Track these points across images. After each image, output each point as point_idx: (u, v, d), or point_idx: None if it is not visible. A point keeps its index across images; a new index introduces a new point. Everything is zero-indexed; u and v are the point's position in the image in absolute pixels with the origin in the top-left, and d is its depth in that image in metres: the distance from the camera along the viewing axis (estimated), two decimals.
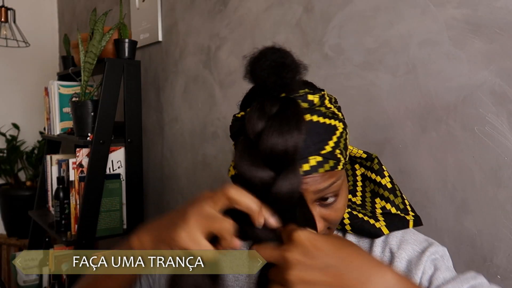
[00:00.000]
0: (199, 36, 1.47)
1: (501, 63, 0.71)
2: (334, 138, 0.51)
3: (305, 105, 0.49)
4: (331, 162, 0.50)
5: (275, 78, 0.46)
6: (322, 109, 0.51)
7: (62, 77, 1.91)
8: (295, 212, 0.46)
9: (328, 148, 0.50)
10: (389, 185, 0.65)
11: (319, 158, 0.49)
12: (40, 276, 1.87)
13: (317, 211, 0.52)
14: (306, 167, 0.48)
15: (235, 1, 1.30)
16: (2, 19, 2.10)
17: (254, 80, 0.48)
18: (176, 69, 1.60)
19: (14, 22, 2.15)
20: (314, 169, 0.48)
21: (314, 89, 0.54)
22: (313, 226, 0.49)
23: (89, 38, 1.52)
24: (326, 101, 0.52)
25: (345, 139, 0.54)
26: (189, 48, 1.53)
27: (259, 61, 0.47)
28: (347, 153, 0.55)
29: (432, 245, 0.59)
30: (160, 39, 1.68)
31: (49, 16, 2.76)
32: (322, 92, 0.52)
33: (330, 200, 0.52)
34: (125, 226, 1.58)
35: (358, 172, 0.68)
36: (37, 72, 2.65)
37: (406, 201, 0.65)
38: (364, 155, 0.65)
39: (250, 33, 1.24)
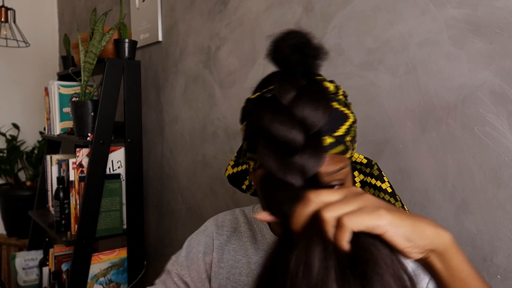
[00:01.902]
0: (199, 36, 1.47)
1: (501, 63, 0.71)
2: (346, 125, 0.52)
3: None
4: (342, 146, 0.51)
5: (298, 55, 0.47)
6: (337, 97, 0.53)
7: (62, 77, 1.91)
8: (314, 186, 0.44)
9: (340, 132, 0.51)
10: (389, 190, 0.65)
11: (332, 139, 0.50)
12: (40, 276, 1.87)
13: None
14: None
15: (235, 1, 1.30)
16: (2, 19, 2.10)
17: (277, 57, 0.48)
18: (176, 69, 1.60)
19: (14, 22, 2.15)
20: (326, 149, 0.49)
21: (331, 81, 0.55)
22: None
23: (89, 38, 1.52)
24: (340, 91, 0.54)
25: (354, 131, 0.55)
26: (189, 48, 1.53)
27: (283, 40, 0.47)
28: (354, 146, 0.55)
29: None
30: (160, 39, 1.68)
31: (49, 16, 2.76)
32: (337, 84, 0.54)
33: (336, 187, 0.52)
34: (125, 226, 1.58)
35: (357, 179, 0.69)
36: (37, 72, 2.65)
37: (405, 206, 0.66)
38: (365, 161, 0.66)
39: (250, 33, 1.24)
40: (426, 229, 0.38)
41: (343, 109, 0.53)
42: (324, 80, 0.53)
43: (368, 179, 0.67)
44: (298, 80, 0.47)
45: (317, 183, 0.44)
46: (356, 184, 0.69)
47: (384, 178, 0.66)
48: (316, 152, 0.43)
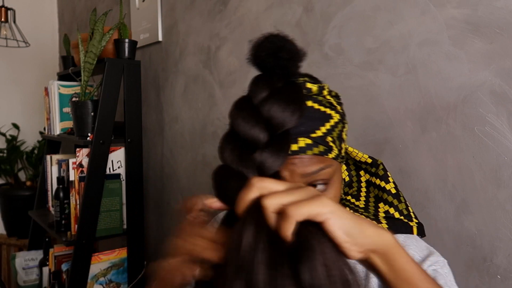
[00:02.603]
0: (199, 36, 1.47)
1: (501, 63, 0.71)
2: (327, 126, 0.52)
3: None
4: (321, 147, 0.51)
5: (273, 59, 0.49)
6: (319, 97, 0.53)
7: (62, 77, 1.91)
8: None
9: (319, 133, 0.51)
10: (393, 191, 0.64)
11: (309, 141, 0.50)
12: (40, 276, 1.87)
13: None
14: (294, 147, 0.49)
15: (235, 1, 1.30)
16: (2, 19, 2.10)
17: (254, 60, 0.50)
18: (176, 69, 1.60)
19: (14, 22, 2.15)
20: (302, 150, 0.50)
21: (315, 81, 0.56)
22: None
23: (89, 38, 1.52)
24: (325, 92, 0.54)
25: (340, 131, 0.54)
26: (189, 48, 1.53)
27: (260, 44, 0.50)
28: (343, 146, 0.55)
29: (433, 254, 0.59)
30: (160, 39, 1.68)
31: (49, 16, 2.76)
32: (323, 84, 0.54)
33: (319, 187, 0.52)
34: (125, 226, 1.58)
35: (363, 179, 0.68)
36: (37, 72, 2.65)
37: (410, 208, 0.65)
38: (369, 160, 0.65)
39: (250, 33, 1.24)
40: (367, 228, 0.39)
41: (324, 109, 0.52)
42: (307, 81, 0.53)
43: (373, 179, 0.66)
44: (273, 82, 0.49)
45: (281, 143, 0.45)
46: (361, 184, 0.68)
47: (389, 178, 0.65)
48: (278, 151, 0.44)
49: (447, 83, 0.79)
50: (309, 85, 0.52)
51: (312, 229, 0.36)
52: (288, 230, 0.35)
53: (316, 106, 0.52)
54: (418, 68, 0.83)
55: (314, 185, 0.52)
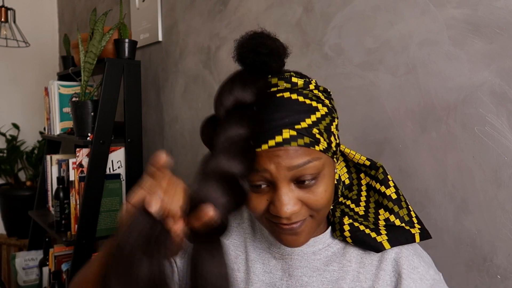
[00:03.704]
0: (199, 36, 1.47)
1: (501, 63, 0.71)
2: (313, 117, 0.52)
3: (287, 85, 0.53)
4: (306, 139, 0.50)
5: (253, 54, 0.51)
6: (305, 91, 0.53)
7: (62, 77, 1.91)
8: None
9: (304, 125, 0.51)
10: (394, 196, 0.62)
11: (293, 132, 0.50)
12: (40, 276, 1.87)
13: (293, 192, 0.52)
14: (278, 138, 0.49)
15: (235, 1, 1.30)
16: (2, 19, 2.10)
17: (237, 57, 0.53)
18: (176, 69, 1.60)
19: (14, 22, 2.15)
20: (286, 141, 0.49)
21: (302, 76, 0.56)
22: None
23: (89, 38, 1.52)
24: (311, 86, 0.54)
25: (329, 124, 0.54)
26: (189, 48, 1.53)
27: (242, 42, 0.52)
28: (333, 139, 0.54)
29: (438, 283, 0.58)
30: (160, 39, 1.68)
31: (49, 16, 2.76)
32: (310, 80, 0.55)
33: (308, 182, 0.51)
34: None
35: (363, 182, 0.67)
36: (37, 72, 2.65)
37: (412, 212, 0.62)
38: (368, 163, 0.64)
39: None
40: None
41: (310, 102, 0.52)
42: (293, 76, 0.54)
43: (373, 183, 0.64)
44: (251, 76, 0.52)
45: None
46: (362, 187, 0.67)
47: (390, 182, 0.63)
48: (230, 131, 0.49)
49: (447, 83, 0.79)
50: (294, 79, 0.53)
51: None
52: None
53: (301, 99, 0.52)
54: (418, 68, 0.83)
55: (303, 181, 0.51)
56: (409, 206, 0.63)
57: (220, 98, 0.51)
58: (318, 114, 0.52)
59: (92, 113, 1.53)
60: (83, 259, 1.46)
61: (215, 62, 1.39)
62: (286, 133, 0.50)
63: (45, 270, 1.83)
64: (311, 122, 0.51)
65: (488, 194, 0.74)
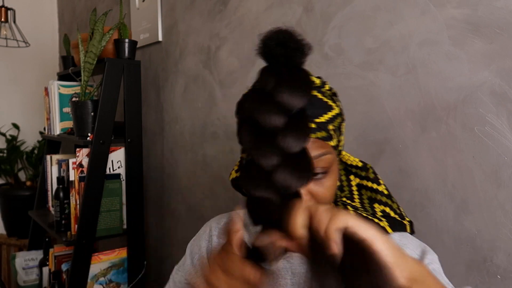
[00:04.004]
0: (199, 36, 1.47)
1: (501, 63, 0.71)
2: (330, 114, 0.55)
3: None
4: (323, 133, 0.53)
5: (281, 48, 0.50)
6: (322, 89, 0.56)
7: (62, 77, 1.91)
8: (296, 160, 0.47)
9: (322, 119, 0.53)
10: (385, 192, 0.66)
11: (313, 125, 0.52)
12: (40, 276, 1.87)
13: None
14: None
15: (235, 1, 1.30)
16: (2, 19, 2.10)
17: (264, 51, 0.52)
18: (176, 69, 1.60)
19: (14, 22, 2.15)
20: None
21: (317, 77, 0.58)
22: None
23: (89, 38, 1.52)
24: (327, 86, 0.57)
25: (340, 123, 0.57)
26: (189, 48, 1.53)
27: (269, 36, 0.52)
28: (341, 138, 0.58)
29: (428, 252, 0.60)
30: (160, 39, 1.68)
31: (49, 16, 2.76)
32: (324, 80, 0.58)
33: (320, 175, 0.53)
34: (125, 226, 1.58)
35: (353, 183, 0.69)
36: (37, 72, 2.65)
37: (400, 208, 0.67)
38: (360, 164, 0.67)
39: (250, 33, 1.24)
40: (407, 254, 0.39)
41: (327, 100, 0.55)
42: (310, 75, 0.55)
43: (364, 182, 0.67)
44: (280, 69, 0.51)
45: (301, 162, 0.46)
46: (352, 188, 0.69)
47: (380, 181, 0.66)
48: (298, 131, 0.47)
49: (447, 83, 0.79)
50: (312, 77, 0.55)
51: (360, 247, 0.36)
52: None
53: (319, 96, 0.55)
54: (418, 68, 0.83)
55: (315, 173, 0.53)
56: (397, 202, 0.67)
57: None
58: (333, 112, 0.55)
59: (92, 113, 1.53)
60: (83, 259, 1.46)
61: (215, 62, 1.39)
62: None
63: (45, 270, 1.83)
64: (328, 118, 0.54)
65: (488, 194, 0.74)
